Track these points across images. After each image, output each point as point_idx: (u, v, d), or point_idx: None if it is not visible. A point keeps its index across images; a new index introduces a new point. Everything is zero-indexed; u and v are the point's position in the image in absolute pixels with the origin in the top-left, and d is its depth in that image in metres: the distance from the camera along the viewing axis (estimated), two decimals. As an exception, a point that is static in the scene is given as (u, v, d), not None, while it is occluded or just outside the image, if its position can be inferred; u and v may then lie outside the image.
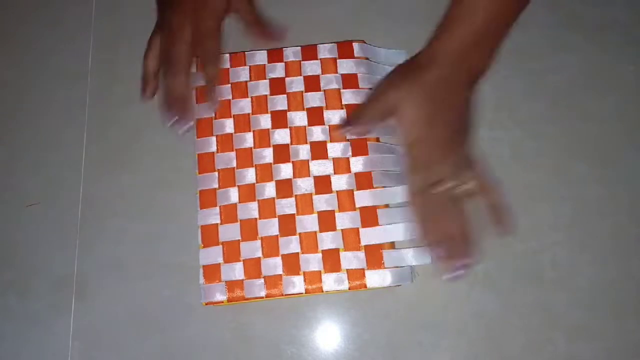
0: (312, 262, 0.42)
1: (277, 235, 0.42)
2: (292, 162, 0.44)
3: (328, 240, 0.42)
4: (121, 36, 0.51)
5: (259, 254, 0.42)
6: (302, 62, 0.47)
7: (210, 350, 0.43)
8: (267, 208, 0.43)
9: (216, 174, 0.44)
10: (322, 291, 0.41)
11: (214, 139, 0.45)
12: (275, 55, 0.48)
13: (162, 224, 0.46)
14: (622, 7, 0.50)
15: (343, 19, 0.51)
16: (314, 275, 0.41)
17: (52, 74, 0.51)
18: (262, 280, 0.41)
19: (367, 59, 0.48)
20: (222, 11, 0.46)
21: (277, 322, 0.43)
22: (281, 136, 0.45)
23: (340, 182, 0.44)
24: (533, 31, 0.49)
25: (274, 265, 0.42)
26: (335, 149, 0.44)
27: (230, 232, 0.43)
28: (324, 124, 0.45)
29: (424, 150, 0.41)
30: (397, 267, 0.42)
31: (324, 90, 0.46)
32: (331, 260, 0.42)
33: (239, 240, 0.42)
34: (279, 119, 0.45)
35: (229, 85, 0.47)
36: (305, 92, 0.46)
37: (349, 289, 0.41)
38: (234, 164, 0.44)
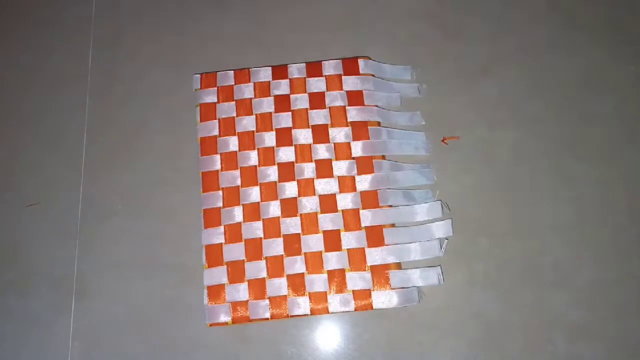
0: (318, 282, 0.41)
1: (282, 255, 0.42)
2: (297, 180, 0.44)
3: (334, 260, 0.42)
4: (121, 36, 0.51)
5: (264, 274, 0.42)
6: (307, 78, 0.47)
7: (211, 350, 0.43)
8: (271, 227, 0.43)
9: (220, 192, 0.44)
10: (328, 312, 0.41)
11: (218, 157, 0.45)
12: (279, 72, 0.48)
13: (162, 224, 0.46)
14: (622, 7, 0.50)
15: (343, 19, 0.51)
16: (320, 296, 0.41)
17: (52, 74, 0.51)
18: (267, 302, 0.41)
19: (372, 75, 0.48)
20: None
21: (277, 322, 0.43)
22: (286, 154, 0.45)
23: (345, 201, 0.43)
24: (533, 31, 0.49)
25: (279, 286, 0.42)
26: (341, 167, 0.44)
27: (234, 251, 0.43)
28: (329, 142, 0.45)
29: None
30: (403, 287, 0.41)
31: (329, 107, 0.46)
32: (337, 280, 0.42)
33: (243, 260, 0.42)
34: (284, 137, 0.45)
35: (234, 102, 0.47)
36: (310, 109, 0.46)
37: (355, 309, 0.41)
38: (239, 183, 0.44)
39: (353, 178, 0.44)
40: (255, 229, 0.43)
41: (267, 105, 0.47)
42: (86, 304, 0.44)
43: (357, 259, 0.42)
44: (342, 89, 0.47)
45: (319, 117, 0.46)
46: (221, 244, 0.43)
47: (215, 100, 0.47)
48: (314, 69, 0.47)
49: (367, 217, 0.43)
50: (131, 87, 0.48)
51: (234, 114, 0.46)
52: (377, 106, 0.46)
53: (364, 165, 0.44)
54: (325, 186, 0.44)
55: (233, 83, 0.47)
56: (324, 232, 0.43)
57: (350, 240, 0.42)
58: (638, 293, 0.43)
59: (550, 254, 0.44)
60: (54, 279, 0.45)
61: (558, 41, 0.49)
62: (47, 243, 0.46)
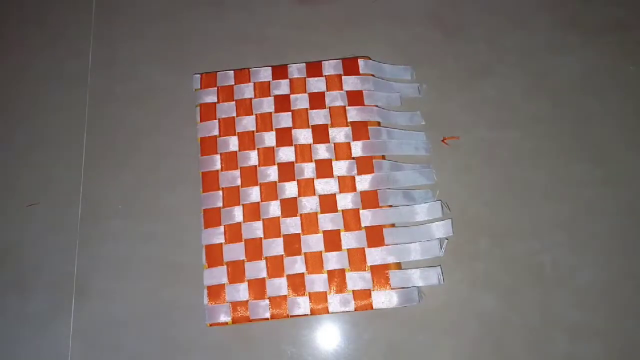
0: (318, 282, 0.42)
1: (282, 255, 0.42)
2: (297, 180, 0.44)
3: (333, 260, 0.42)
4: (121, 36, 0.51)
5: (264, 274, 0.42)
6: (307, 78, 0.47)
7: (211, 350, 0.43)
8: (271, 227, 0.43)
9: (220, 192, 0.44)
10: (328, 312, 0.41)
11: (218, 157, 0.45)
12: (279, 72, 0.48)
13: (162, 224, 0.46)
14: (621, 7, 0.50)
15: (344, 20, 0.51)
16: (320, 296, 0.41)
17: (52, 74, 0.51)
18: (267, 302, 0.41)
19: (372, 75, 0.48)
20: None
21: (277, 322, 0.43)
22: (286, 154, 0.45)
23: (345, 201, 0.43)
24: (533, 31, 0.49)
25: (279, 286, 0.42)
26: (341, 167, 0.44)
27: (234, 251, 0.43)
28: (329, 142, 0.45)
29: None
30: (403, 287, 0.41)
31: (329, 107, 0.46)
32: (337, 280, 0.42)
33: (243, 260, 0.42)
34: (284, 137, 0.45)
35: (234, 102, 0.47)
36: (310, 109, 0.46)
37: (355, 309, 0.41)
38: (239, 183, 0.44)
39: (353, 178, 0.44)
40: (255, 229, 0.43)
41: (267, 105, 0.47)
42: (86, 304, 0.44)
43: (357, 259, 0.42)
44: (342, 89, 0.47)
45: (319, 117, 0.46)
46: (221, 244, 0.43)
47: (215, 100, 0.47)
48: (314, 69, 0.47)
49: (367, 217, 0.43)
50: (131, 87, 0.48)
51: (234, 114, 0.46)
52: (377, 106, 0.46)
53: (364, 165, 0.44)
54: (325, 186, 0.44)
55: (233, 83, 0.47)
56: (324, 232, 0.43)
57: (350, 240, 0.42)
58: (638, 293, 0.43)
59: (550, 254, 0.44)
60: (53, 279, 0.45)
61: (558, 41, 0.49)
62: (47, 243, 0.46)
